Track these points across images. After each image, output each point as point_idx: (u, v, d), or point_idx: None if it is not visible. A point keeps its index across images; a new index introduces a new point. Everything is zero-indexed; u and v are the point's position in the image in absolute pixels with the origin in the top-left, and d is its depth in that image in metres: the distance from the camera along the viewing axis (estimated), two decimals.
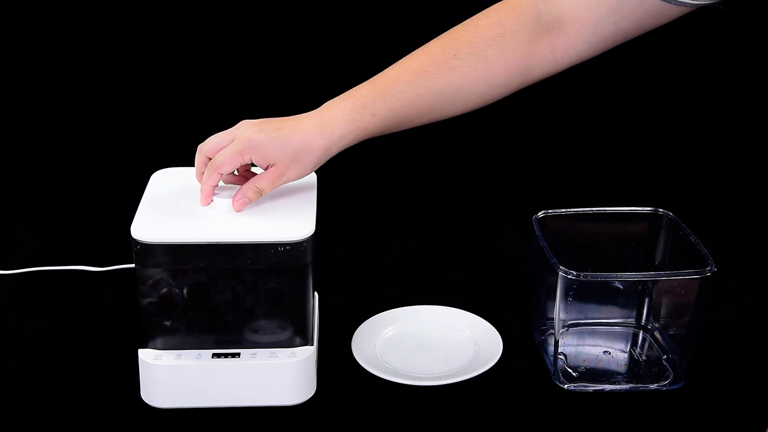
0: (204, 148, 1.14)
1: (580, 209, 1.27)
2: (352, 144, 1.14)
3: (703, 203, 1.67)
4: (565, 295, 1.18)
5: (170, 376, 1.13)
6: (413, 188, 1.71)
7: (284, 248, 1.10)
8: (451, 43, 1.14)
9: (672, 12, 1.09)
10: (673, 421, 1.16)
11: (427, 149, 1.77)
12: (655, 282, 1.24)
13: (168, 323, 1.13)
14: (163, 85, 1.72)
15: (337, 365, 1.20)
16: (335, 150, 1.13)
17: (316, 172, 1.24)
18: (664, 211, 1.28)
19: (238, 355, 1.14)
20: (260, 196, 1.13)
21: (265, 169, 1.13)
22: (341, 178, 1.65)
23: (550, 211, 1.26)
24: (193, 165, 1.25)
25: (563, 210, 1.27)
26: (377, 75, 1.15)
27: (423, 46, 1.15)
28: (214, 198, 1.14)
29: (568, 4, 1.11)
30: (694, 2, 1.08)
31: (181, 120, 1.74)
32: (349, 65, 1.74)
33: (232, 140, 1.12)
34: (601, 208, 1.29)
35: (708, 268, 1.16)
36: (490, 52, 1.11)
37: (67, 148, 1.72)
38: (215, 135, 1.14)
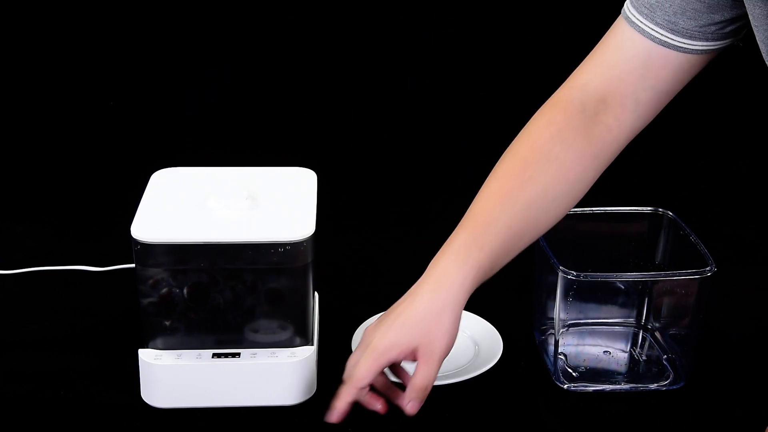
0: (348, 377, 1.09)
1: (580, 209, 1.27)
2: (476, 286, 1.09)
3: (703, 203, 1.67)
4: (565, 295, 1.18)
5: (170, 376, 1.13)
6: (413, 188, 1.71)
7: (284, 248, 1.10)
8: (516, 157, 1.12)
9: (698, 60, 1.09)
10: (673, 421, 1.16)
11: (428, 149, 1.77)
12: (655, 282, 1.24)
13: (168, 323, 1.13)
14: (163, 85, 1.72)
15: (337, 365, 1.20)
16: (462, 298, 1.08)
17: (316, 171, 1.24)
18: (664, 211, 1.28)
19: (238, 355, 1.14)
20: (427, 392, 1.08)
21: (414, 360, 1.08)
22: (341, 178, 1.65)
23: None
24: (193, 165, 1.25)
25: None
26: (463, 218, 1.11)
27: (489, 175, 1.13)
28: (214, 198, 1.14)
29: (601, 84, 1.11)
30: (716, 46, 1.08)
31: (181, 120, 1.75)
32: (349, 65, 1.75)
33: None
34: (601, 208, 1.29)
35: (708, 268, 1.16)
36: (557, 150, 1.10)
37: (67, 148, 1.72)
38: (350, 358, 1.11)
